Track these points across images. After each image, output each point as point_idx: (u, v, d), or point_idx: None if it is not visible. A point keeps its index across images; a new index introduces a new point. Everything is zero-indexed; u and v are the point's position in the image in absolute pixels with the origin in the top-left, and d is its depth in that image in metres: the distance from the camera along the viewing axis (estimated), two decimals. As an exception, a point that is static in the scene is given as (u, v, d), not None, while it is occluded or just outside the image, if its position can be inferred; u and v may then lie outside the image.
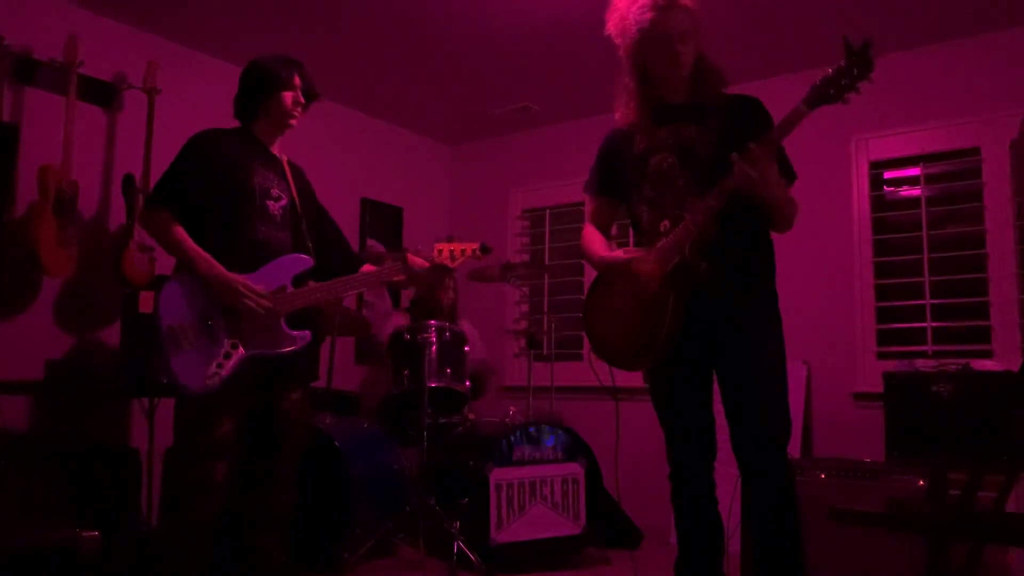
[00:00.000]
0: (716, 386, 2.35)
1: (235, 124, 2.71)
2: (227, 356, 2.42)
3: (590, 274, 5.08)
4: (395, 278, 2.68)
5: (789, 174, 2.30)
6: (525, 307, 5.44)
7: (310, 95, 2.71)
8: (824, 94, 2.08)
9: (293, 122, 2.69)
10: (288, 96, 2.64)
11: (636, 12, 2.26)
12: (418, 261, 2.66)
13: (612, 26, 2.35)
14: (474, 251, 2.68)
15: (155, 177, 2.63)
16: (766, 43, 4.11)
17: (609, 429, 4.10)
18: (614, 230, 3.78)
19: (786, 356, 2.30)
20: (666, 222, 2.23)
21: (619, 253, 2.33)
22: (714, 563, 2.37)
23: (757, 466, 2.22)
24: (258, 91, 2.64)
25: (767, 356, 2.26)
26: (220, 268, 2.45)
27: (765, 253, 2.35)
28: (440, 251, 2.68)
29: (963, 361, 3.09)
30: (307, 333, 2.55)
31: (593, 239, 2.49)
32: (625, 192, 2.43)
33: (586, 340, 5.06)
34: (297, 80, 2.66)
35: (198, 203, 2.50)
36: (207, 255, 2.45)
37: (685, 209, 2.19)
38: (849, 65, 2.04)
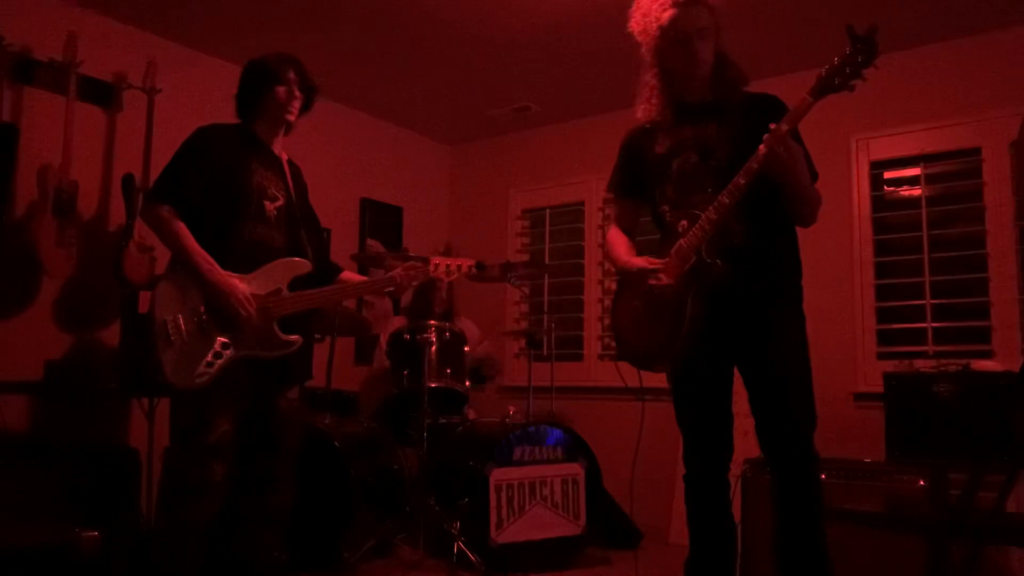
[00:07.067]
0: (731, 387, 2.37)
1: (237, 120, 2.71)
2: (217, 356, 2.43)
3: (590, 274, 5.14)
4: (386, 289, 2.74)
5: (811, 171, 2.28)
6: (525, 307, 5.44)
7: (308, 89, 2.70)
8: (830, 84, 2.06)
9: (290, 117, 2.67)
10: (281, 90, 2.62)
11: (657, 9, 2.26)
12: (405, 276, 2.73)
13: (635, 23, 2.35)
14: (470, 267, 2.84)
15: (155, 177, 2.62)
16: (764, 45, 4.10)
17: (609, 429, 4.10)
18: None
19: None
20: (684, 222, 2.24)
21: (639, 261, 2.32)
22: (726, 565, 2.37)
23: (783, 455, 2.24)
24: (254, 88, 2.64)
25: (791, 349, 2.26)
26: (219, 271, 2.44)
27: (789, 250, 2.34)
28: (436, 265, 2.80)
29: (963, 361, 3.09)
30: (298, 338, 2.56)
31: (617, 242, 2.49)
32: (648, 192, 2.43)
33: (587, 340, 5.09)
34: (292, 75, 2.64)
35: (197, 199, 2.49)
36: (207, 255, 2.45)
37: (702, 208, 2.19)
38: (854, 52, 2.03)
